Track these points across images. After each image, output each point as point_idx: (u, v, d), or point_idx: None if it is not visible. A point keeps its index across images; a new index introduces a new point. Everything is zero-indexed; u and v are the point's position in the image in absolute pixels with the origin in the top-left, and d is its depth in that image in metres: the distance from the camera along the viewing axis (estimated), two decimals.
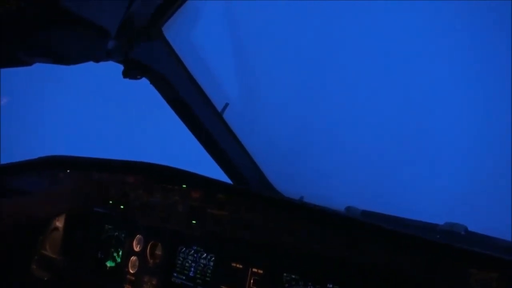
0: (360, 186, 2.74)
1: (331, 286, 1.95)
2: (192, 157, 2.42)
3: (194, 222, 2.24)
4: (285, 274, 2.09)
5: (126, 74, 2.27)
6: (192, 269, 2.46)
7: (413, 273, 1.52)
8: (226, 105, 2.68)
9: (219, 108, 2.65)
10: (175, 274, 2.52)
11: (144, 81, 2.36)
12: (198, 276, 2.42)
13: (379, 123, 2.63)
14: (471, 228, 1.71)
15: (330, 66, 2.63)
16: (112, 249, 2.93)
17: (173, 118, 2.51)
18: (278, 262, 2.12)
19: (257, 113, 2.84)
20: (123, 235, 2.88)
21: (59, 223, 3.31)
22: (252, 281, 2.16)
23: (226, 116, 2.65)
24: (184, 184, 2.34)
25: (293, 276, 2.07)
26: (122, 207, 2.59)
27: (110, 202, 2.65)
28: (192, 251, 2.49)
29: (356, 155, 2.77)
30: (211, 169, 2.61)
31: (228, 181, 2.88)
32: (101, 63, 2.20)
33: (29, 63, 1.90)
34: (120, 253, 2.85)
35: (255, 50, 2.75)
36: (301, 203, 1.93)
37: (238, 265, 2.23)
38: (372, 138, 2.69)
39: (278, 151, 2.91)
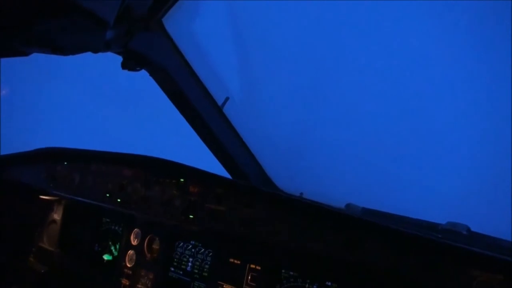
0: (360, 183, 2.70)
1: (329, 284, 1.93)
2: (191, 151, 2.38)
3: (191, 216, 2.20)
4: (283, 271, 2.07)
5: (125, 65, 2.23)
6: (190, 264, 2.44)
7: (413, 274, 1.49)
8: (227, 99, 2.64)
9: (219, 102, 2.61)
10: (172, 269, 2.50)
11: (144, 73, 2.33)
12: (195, 271, 2.40)
13: (381, 120, 2.59)
14: (474, 228, 1.68)
15: (332, 61, 2.59)
16: (110, 243, 2.92)
17: (172, 111, 2.47)
18: (276, 258, 2.10)
19: (258, 108, 2.79)
20: (120, 229, 2.86)
21: (57, 216, 3.29)
22: (250, 277, 2.14)
23: (226, 110, 2.61)
24: (182, 178, 2.30)
25: (291, 273, 2.05)
26: (119, 200, 2.55)
27: (107, 195, 2.61)
28: (190, 246, 2.47)
29: (358, 152, 2.73)
30: (211, 164, 2.58)
31: (228, 176, 2.84)
32: (101, 55, 2.17)
33: (26, 53, 1.86)
34: (117, 246, 2.83)
35: (257, 44, 2.70)
36: (300, 199, 1.88)
37: (236, 261, 2.21)
38: (374, 135, 2.65)
39: (278, 146, 2.88)
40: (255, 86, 2.77)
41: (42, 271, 3.16)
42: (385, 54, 2.45)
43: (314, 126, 2.87)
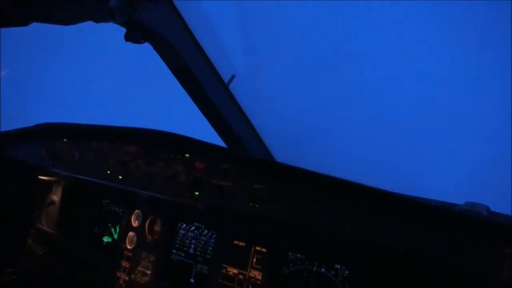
0: (372, 166, 2.61)
1: (338, 267, 1.84)
2: (195, 131, 2.28)
3: (197, 193, 2.11)
4: (290, 253, 1.99)
5: (129, 37, 2.13)
6: (192, 246, 2.36)
7: (436, 254, 1.39)
8: (233, 76, 2.54)
9: (226, 80, 2.51)
10: (174, 251, 2.42)
11: (147, 47, 2.23)
12: (198, 253, 2.32)
13: (394, 101, 2.49)
14: (494, 208, 1.60)
15: (343, 39, 2.48)
16: (110, 224, 2.84)
17: (175, 87, 2.36)
18: (283, 240, 2.01)
19: (265, 87, 2.69)
20: (121, 210, 2.78)
21: (56, 197, 3.22)
22: (255, 260, 2.05)
23: (232, 88, 2.51)
24: (187, 153, 2.20)
25: (299, 256, 1.96)
26: (120, 177, 2.46)
27: (108, 172, 2.52)
28: (193, 227, 2.38)
29: (369, 133, 2.63)
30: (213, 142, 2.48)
31: None
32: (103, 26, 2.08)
33: (25, 23, 1.78)
34: (118, 228, 2.76)
35: (265, 20, 2.60)
36: (315, 172, 1.74)
37: (240, 243, 2.12)
38: (387, 116, 2.55)
39: (285, 127, 2.78)
40: (262, 64, 2.67)
41: (41, 253, 3.10)
42: (401, 35, 2.35)
43: (323, 107, 2.77)
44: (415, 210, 1.49)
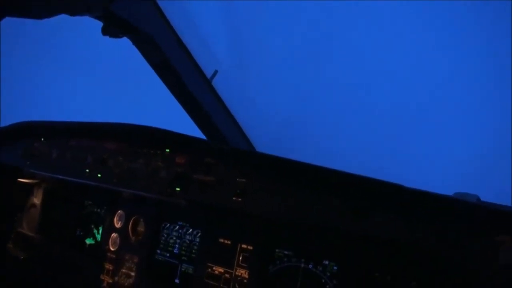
0: (360, 160, 2.56)
1: (326, 263, 1.79)
2: (174, 124, 2.20)
3: (178, 189, 2.04)
4: (277, 250, 1.93)
5: (106, 31, 2.06)
6: (177, 245, 2.29)
7: (429, 245, 1.34)
8: (215, 72, 2.49)
9: (208, 75, 2.46)
10: (158, 251, 2.35)
11: (125, 41, 2.16)
12: (183, 253, 2.26)
13: (380, 91, 2.45)
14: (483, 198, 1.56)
15: (328, 30, 2.44)
16: (92, 226, 2.76)
17: (155, 80, 2.30)
18: (270, 236, 1.96)
19: (249, 82, 2.64)
20: (103, 211, 2.70)
21: (37, 200, 3.13)
22: (241, 257, 1.99)
23: (215, 83, 2.45)
24: (167, 148, 2.13)
25: (286, 252, 1.91)
26: (99, 175, 2.38)
27: (87, 170, 2.44)
28: (177, 226, 2.32)
29: (357, 127, 2.59)
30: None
31: None
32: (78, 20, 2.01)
33: None
34: (100, 230, 2.68)
35: (249, 15, 2.55)
36: (299, 162, 1.68)
37: (226, 241, 2.06)
38: (375, 109, 2.51)
39: (270, 123, 2.73)
40: (246, 59, 2.61)
41: (22, 257, 3.00)
42: (382, 21, 2.31)
43: (308, 102, 2.73)
44: (406, 199, 1.45)
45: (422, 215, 1.42)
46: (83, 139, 2.50)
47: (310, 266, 1.83)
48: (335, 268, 1.77)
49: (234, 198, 1.85)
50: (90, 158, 2.43)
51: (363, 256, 1.67)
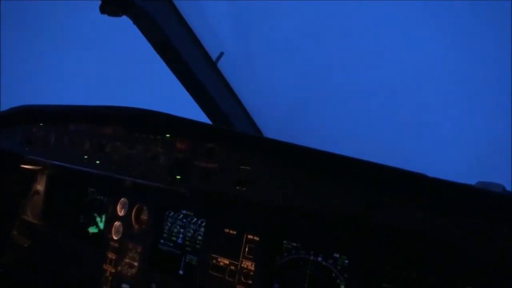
0: (371, 147, 2.42)
1: (337, 256, 1.69)
2: (179, 108, 2.08)
3: (178, 177, 1.93)
4: (284, 242, 1.83)
5: (104, 9, 1.94)
6: (181, 235, 2.20)
7: (449, 237, 1.23)
8: (221, 54, 2.36)
9: (214, 57, 2.33)
10: (162, 241, 2.27)
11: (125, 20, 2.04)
12: (187, 243, 2.17)
13: (395, 70, 2.29)
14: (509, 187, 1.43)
15: (335, 9, 2.28)
16: (95, 214, 2.68)
17: (159, 62, 2.18)
18: (277, 227, 1.85)
19: (256, 64, 2.50)
20: (106, 199, 2.62)
21: (40, 187, 3.06)
22: (247, 249, 1.89)
23: (221, 66, 2.33)
24: (168, 133, 2.01)
25: (294, 244, 1.81)
26: (97, 162, 2.28)
27: (85, 157, 2.34)
28: (181, 215, 2.23)
29: (368, 111, 2.44)
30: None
31: None
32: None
33: None
34: (103, 218, 2.60)
35: None
36: (307, 147, 1.53)
37: (231, 231, 1.96)
38: (388, 92, 2.36)
39: (278, 107, 2.60)
40: (253, 40, 2.47)
41: (25, 245, 2.95)
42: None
43: (318, 85, 2.58)
44: (426, 189, 1.32)
45: (444, 205, 1.29)
46: (82, 124, 2.40)
47: (320, 259, 1.72)
48: (346, 261, 1.66)
49: (237, 187, 1.73)
50: (88, 144, 2.33)
51: (377, 249, 1.56)
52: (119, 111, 2.10)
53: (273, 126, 2.60)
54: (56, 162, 2.51)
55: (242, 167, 1.72)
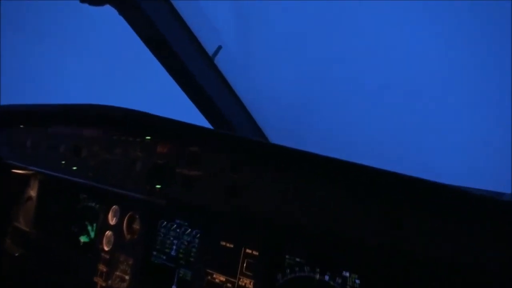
0: (377, 148, 2.19)
1: (347, 274, 1.47)
2: (173, 111, 1.90)
3: (158, 186, 1.72)
4: (287, 257, 1.62)
5: None
6: (174, 247, 2.01)
7: (486, 265, 1.00)
8: (219, 48, 2.16)
9: (210, 52, 2.13)
10: (154, 253, 2.07)
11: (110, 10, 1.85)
12: (180, 255, 1.97)
13: (409, 66, 2.08)
14: None
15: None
16: (86, 222, 2.51)
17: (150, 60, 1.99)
18: (278, 240, 1.64)
19: (256, 58, 2.30)
20: (97, 206, 2.44)
21: (33, 192, 2.90)
22: (245, 264, 1.69)
23: (218, 61, 2.13)
24: (148, 135, 1.79)
25: (298, 260, 1.60)
26: (74, 168, 2.08)
27: (63, 162, 2.14)
28: (175, 225, 2.03)
29: (373, 109, 2.21)
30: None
31: None
32: None
33: None
34: (95, 226, 2.42)
35: None
36: (311, 153, 1.32)
37: (228, 244, 1.76)
38: (396, 90, 2.14)
39: (278, 103, 2.38)
40: (252, 33, 2.27)
41: (16, 254, 2.80)
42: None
43: (320, 81, 2.37)
44: (453, 202, 1.09)
45: (471, 221, 1.06)
46: (60, 125, 2.21)
47: (327, 277, 1.51)
48: (357, 281, 1.45)
49: (225, 198, 1.51)
50: (65, 148, 2.13)
51: (395, 270, 1.34)
52: (96, 110, 1.90)
53: (278, 127, 2.40)
54: (33, 168, 2.33)
55: (232, 174, 1.50)
